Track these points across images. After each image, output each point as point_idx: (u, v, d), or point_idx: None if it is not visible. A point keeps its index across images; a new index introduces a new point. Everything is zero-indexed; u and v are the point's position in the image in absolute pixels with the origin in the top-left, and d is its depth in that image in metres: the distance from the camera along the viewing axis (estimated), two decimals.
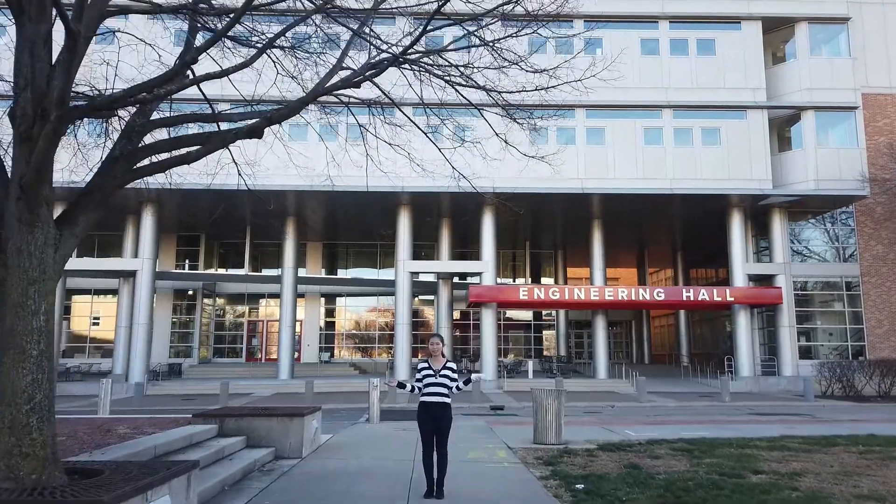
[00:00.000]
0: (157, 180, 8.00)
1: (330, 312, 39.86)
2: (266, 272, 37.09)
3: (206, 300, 37.39)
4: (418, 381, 7.33)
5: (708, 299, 28.70)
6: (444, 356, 7.47)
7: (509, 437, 11.70)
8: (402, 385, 7.93)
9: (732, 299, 28.57)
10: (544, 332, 41.62)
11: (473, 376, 7.72)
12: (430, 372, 7.21)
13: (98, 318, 37.04)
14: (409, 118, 8.14)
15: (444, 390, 7.24)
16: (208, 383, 28.84)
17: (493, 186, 28.68)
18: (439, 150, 8.34)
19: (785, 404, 22.49)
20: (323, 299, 39.15)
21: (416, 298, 40.27)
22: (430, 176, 9.08)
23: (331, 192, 27.78)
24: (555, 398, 10.73)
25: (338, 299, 39.62)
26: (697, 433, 12.26)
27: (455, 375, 7.30)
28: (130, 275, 29.86)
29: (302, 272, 37.01)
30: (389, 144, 8.23)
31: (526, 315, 40.95)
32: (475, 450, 10.04)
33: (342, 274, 39.72)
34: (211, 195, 28.50)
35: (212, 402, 22.62)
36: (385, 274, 38.10)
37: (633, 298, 29.34)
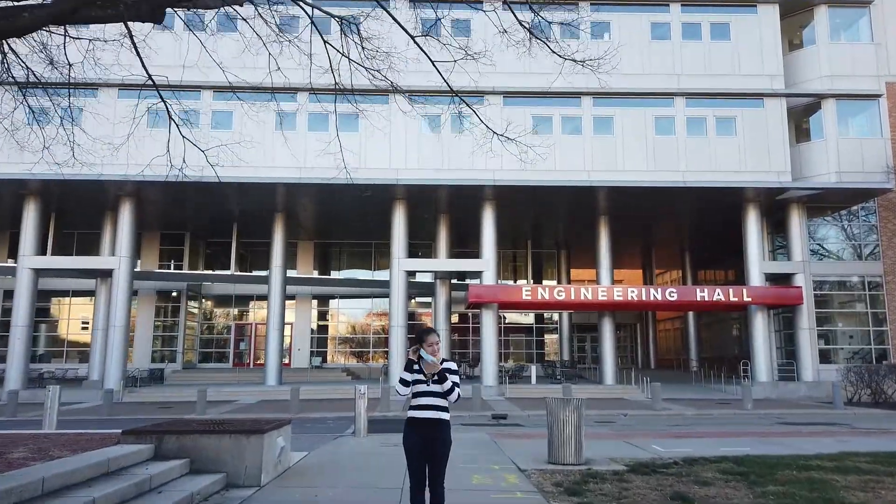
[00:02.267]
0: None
1: (322, 315, 38.04)
2: (255, 273, 35.20)
3: (191, 302, 35.52)
4: (404, 381, 5.38)
5: (723, 300, 26.84)
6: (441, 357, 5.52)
7: (518, 454, 9.89)
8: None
9: (750, 299, 26.72)
10: (546, 336, 39.84)
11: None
12: (423, 378, 5.34)
13: (76, 321, 35.17)
14: (389, 13, 6.28)
15: (443, 402, 5.36)
16: (190, 390, 26.99)
17: (493, 179, 27.03)
18: (431, 61, 6.51)
19: (813, 412, 20.67)
20: (315, 301, 37.33)
21: (413, 300, 38.48)
22: (423, 109, 7.23)
23: (321, 184, 26.09)
24: (574, 409, 8.91)
25: (331, 301, 37.80)
26: (738, 449, 10.45)
27: (456, 379, 5.38)
28: (107, 274, 28.01)
29: (293, 273, 35.24)
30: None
31: (527, 319, 39.17)
32: (479, 473, 8.21)
33: (335, 275, 37.89)
34: (194, 189, 26.79)
35: (191, 409, 20.84)
36: (380, 275, 36.24)
37: (644, 299, 27.47)
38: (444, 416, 5.36)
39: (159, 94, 8.61)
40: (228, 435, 6.80)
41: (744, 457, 9.34)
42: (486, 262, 27.46)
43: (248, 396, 26.16)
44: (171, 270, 34.04)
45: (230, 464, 6.75)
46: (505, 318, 37.02)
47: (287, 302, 36.18)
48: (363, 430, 12.36)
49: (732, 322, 38.73)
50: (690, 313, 39.44)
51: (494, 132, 7.15)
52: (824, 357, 28.12)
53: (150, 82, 7.23)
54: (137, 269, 33.29)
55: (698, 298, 27.21)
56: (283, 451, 7.52)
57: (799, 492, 6.85)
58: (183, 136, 8.73)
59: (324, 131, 26.50)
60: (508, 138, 7.34)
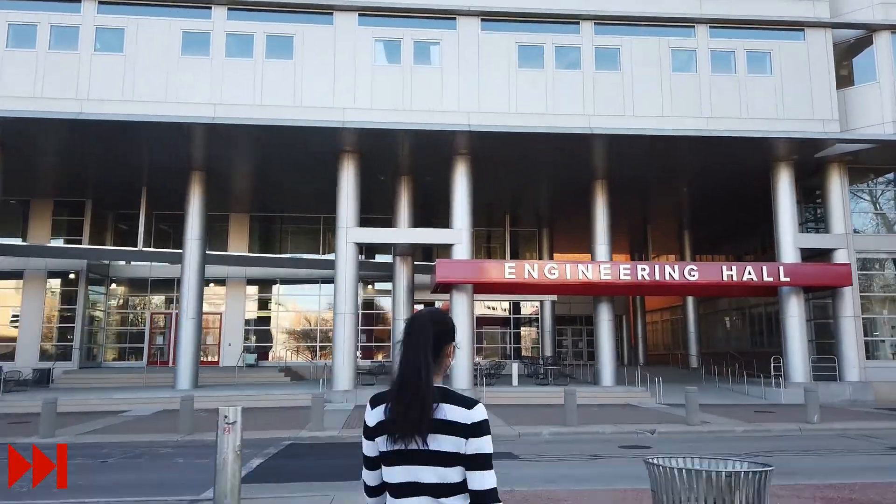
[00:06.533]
0: None
1: (262, 304, 31.84)
2: (169, 250, 28.56)
3: (94, 287, 28.89)
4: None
5: (755, 280, 21.28)
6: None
7: None
8: None
9: (788, 279, 21.21)
10: (523, 329, 34.26)
11: None
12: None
13: None
14: None
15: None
16: (81, 395, 20.94)
17: (468, 124, 21.15)
18: None
19: None
20: (251, 288, 31.08)
21: (372, 286, 32.55)
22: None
23: (245, 125, 19.88)
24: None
25: (272, 288, 31.51)
26: None
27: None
28: None
29: (221, 252, 29.02)
30: None
31: (501, 312, 33.47)
32: None
33: (276, 255, 31.60)
34: (71, 131, 20.22)
35: (60, 423, 14.57)
36: (330, 257, 30.04)
37: (657, 279, 21.70)
38: None
39: None
40: None
41: None
42: (459, 233, 21.58)
43: (145, 405, 19.92)
44: (63, 245, 27.29)
45: None
46: (474, 309, 31.27)
47: (216, 288, 30.03)
48: (229, 495, 6.34)
49: (734, 311, 33.85)
50: (690, 302, 34.30)
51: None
52: (868, 351, 23.05)
53: None
54: (26, 242, 26.78)
55: (725, 279, 21.61)
56: None
57: None
58: None
59: (247, 57, 20.30)
60: None
